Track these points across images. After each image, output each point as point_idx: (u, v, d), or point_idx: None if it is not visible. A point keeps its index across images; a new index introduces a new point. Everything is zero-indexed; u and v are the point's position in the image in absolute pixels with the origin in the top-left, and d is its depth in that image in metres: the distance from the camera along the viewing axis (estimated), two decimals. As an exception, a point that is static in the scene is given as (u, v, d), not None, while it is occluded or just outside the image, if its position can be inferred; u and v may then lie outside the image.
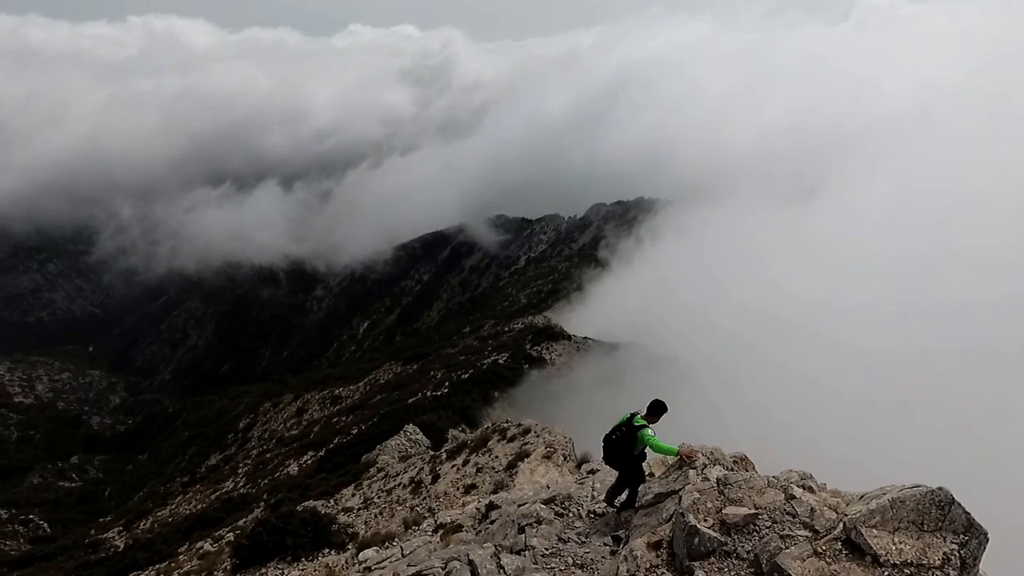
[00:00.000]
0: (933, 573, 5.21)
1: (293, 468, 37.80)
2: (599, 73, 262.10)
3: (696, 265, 64.21)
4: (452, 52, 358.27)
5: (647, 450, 8.23)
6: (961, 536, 5.38)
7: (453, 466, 22.27)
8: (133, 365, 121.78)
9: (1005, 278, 43.97)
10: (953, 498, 5.47)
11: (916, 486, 5.67)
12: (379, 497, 22.51)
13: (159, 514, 39.25)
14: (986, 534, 5.39)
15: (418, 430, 31.82)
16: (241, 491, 36.45)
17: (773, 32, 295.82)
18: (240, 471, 43.13)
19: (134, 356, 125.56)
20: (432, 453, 25.74)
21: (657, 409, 8.24)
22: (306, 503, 23.07)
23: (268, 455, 44.41)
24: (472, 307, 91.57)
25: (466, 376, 44.00)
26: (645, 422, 8.11)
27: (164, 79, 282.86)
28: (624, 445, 8.16)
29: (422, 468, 23.30)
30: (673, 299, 58.07)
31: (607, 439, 8.41)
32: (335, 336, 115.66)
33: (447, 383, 43.66)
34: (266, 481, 36.78)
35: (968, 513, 5.44)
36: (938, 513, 5.47)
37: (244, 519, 26.55)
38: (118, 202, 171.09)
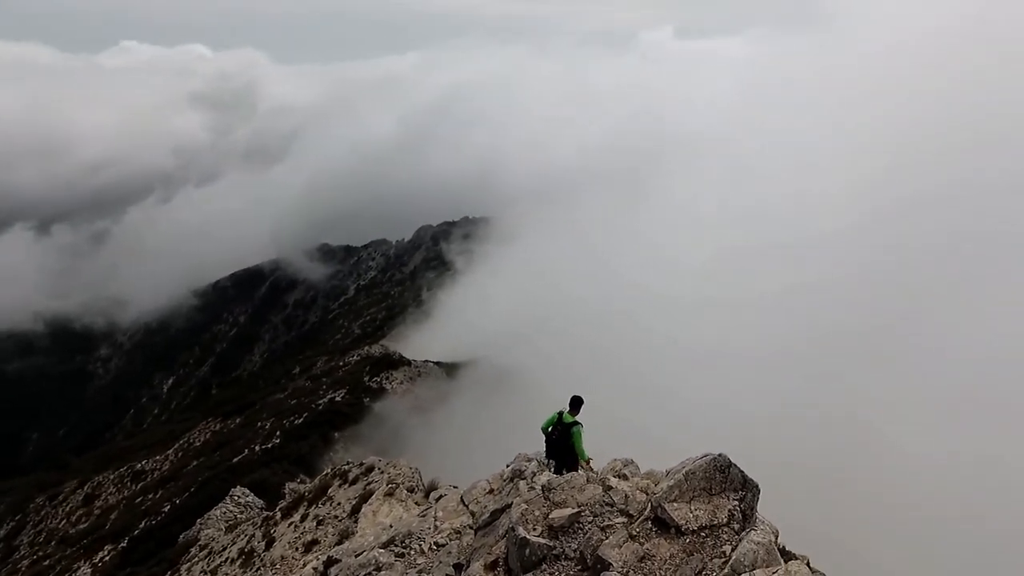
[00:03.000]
0: (723, 530, 6.17)
1: (85, 571, 32.91)
2: (420, 96, 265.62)
3: (527, 275, 67.65)
4: (255, 75, 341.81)
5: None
6: (740, 492, 6.46)
7: (290, 524, 21.06)
8: None
9: (793, 270, 52.57)
10: (731, 461, 6.57)
11: (704, 455, 6.68)
12: (203, 580, 20.56)
13: None
14: (757, 486, 6.59)
15: (248, 492, 29.58)
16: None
17: (579, 62, 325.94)
18: (6, 591, 36.52)
19: None
20: (265, 514, 24.08)
21: (577, 403, 10.01)
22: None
23: (46, 562, 38.04)
24: (301, 345, 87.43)
25: (300, 421, 42.01)
26: (573, 418, 9.78)
27: None
28: (564, 441, 9.65)
29: (253, 535, 21.75)
30: (509, 310, 60.52)
31: (548, 437, 9.87)
32: (132, 400, 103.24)
33: (279, 432, 41.29)
34: (48, 594, 31.60)
35: (743, 471, 6.58)
36: (721, 476, 6.49)
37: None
38: None
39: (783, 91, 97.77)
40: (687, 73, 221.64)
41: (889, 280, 46.48)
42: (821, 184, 62.95)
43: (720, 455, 6.54)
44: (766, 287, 49.51)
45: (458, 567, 8.16)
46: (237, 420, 49.83)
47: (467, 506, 10.02)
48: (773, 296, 48.06)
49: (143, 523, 35.31)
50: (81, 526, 42.67)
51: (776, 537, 5.91)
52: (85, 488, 48.60)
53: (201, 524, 27.29)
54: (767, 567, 5.47)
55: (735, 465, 6.49)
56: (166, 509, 35.58)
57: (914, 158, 59.51)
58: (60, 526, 45.19)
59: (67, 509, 47.20)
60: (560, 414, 9.87)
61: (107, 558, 32.88)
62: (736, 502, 6.30)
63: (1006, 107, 58.71)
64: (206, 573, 21.37)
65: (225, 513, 27.83)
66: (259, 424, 45.29)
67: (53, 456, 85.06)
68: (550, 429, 9.88)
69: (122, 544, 33.41)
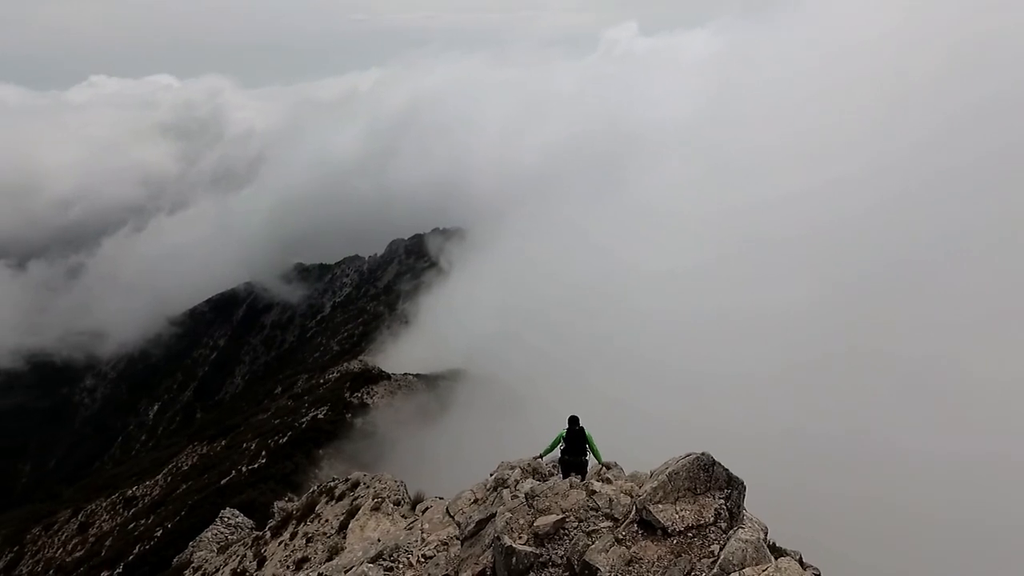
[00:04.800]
0: (710, 529, 5.89)
1: (83, 598, 31.81)
2: (383, 111, 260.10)
3: (500, 282, 66.67)
4: (221, 101, 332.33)
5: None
6: (725, 490, 6.17)
7: (280, 543, 20.36)
8: None
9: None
10: (714, 460, 6.26)
11: (687, 455, 6.38)
12: (196, 603, 19.78)
13: None
14: (743, 483, 6.26)
15: (237, 512, 28.79)
16: (13, 647, 29.66)
17: (539, 66, 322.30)
18: (8, 623, 35.16)
19: None
20: (256, 534, 23.33)
21: (575, 419, 10.19)
22: (102, 638, 19.42)
23: (46, 592, 36.78)
24: (280, 365, 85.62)
25: (284, 440, 41.02)
26: (582, 427, 10.10)
27: None
28: (582, 447, 9.95)
29: (244, 555, 21.01)
30: (485, 318, 59.76)
31: (565, 460, 10.03)
32: (119, 428, 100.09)
33: (264, 452, 40.29)
34: (47, 625, 30.42)
35: (727, 469, 6.27)
36: (705, 476, 6.21)
37: None
38: None
39: (751, 84, 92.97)
40: (653, 70, 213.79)
41: (887, 281, 43.55)
42: (796, 180, 58.94)
43: (703, 454, 6.24)
44: (743, 285, 47.69)
45: (447, 579, 7.84)
46: (222, 442, 48.66)
47: (453, 517, 9.66)
48: (755, 297, 45.85)
49: (137, 548, 34.47)
50: (77, 554, 41.37)
51: (765, 534, 5.64)
52: (79, 516, 47.26)
53: (193, 547, 26.47)
54: (757, 565, 5.20)
55: (719, 463, 6.21)
56: (159, 533, 34.74)
57: (893, 151, 55.31)
58: (57, 555, 43.79)
59: (63, 538, 45.82)
60: (569, 430, 10.07)
61: (103, 585, 31.89)
62: (722, 501, 6.02)
63: (988, 91, 54.24)
64: (199, 596, 20.58)
65: (216, 535, 27.02)
66: (244, 445, 44.25)
67: (45, 487, 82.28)
68: (562, 446, 10.09)
69: (118, 570, 32.74)
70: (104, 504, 47.49)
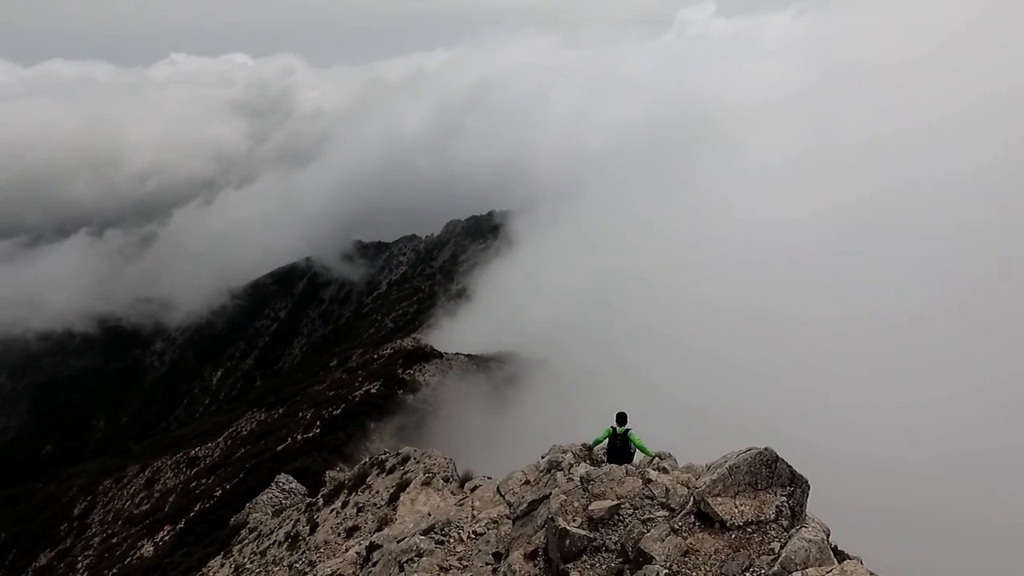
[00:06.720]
0: (771, 526, 5.76)
1: (148, 549, 33.89)
2: (452, 91, 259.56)
3: (556, 268, 66.26)
4: (292, 81, 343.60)
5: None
6: (788, 488, 6.02)
7: (332, 510, 21.15)
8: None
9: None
10: (777, 456, 6.10)
11: (749, 450, 6.24)
12: (252, 562, 20.87)
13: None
14: (807, 482, 6.09)
15: (291, 478, 29.94)
16: (83, 589, 31.97)
17: (610, 47, 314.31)
18: (80, 566, 37.79)
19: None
20: (309, 500, 24.29)
21: (623, 418, 10.41)
22: (165, 586, 20.74)
23: (114, 540, 39.34)
24: (337, 339, 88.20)
25: (338, 412, 42.24)
26: (627, 427, 10.35)
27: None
28: (627, 448, 10.16)
29: (298, 519, 21.91)
30: (537, 302, 59.71)
31: (612, 452, 10.37)
32: (184, 391, 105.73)
33: (318, 422, 41.62)
34: (115, 571, 32.57)
35: (791, 466, 6.10)
36: (767, 471, 6.07)
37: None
38: None
39: (836, 72, 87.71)
40: (730, 53, 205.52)
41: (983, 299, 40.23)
42: (887, 180, 54.41)
43: (766, 449, 6.09)
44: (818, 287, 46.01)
45: (497, 556, 7.98)
46: (280, 410, 50.38)
47: (503, 496, 9.82)
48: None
49: (198, 506, 36.12)
50: (143, 507, 43.88)
51: (828, 536, 5.48)
52: (146, 472, 49.89)
53: (250, 508, 27.64)
54: (820, 566, 5.06)
55: (782, 460, 6.06)
56: (218, 493, 36.27)
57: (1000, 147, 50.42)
58: (125, 507, 46.60)
59: (131, 491, 48.67)
60: (613, 428, 10.23)
61: (166, 538, 33.80)
62: (784, 498, 5.87)
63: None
64: (256, 554, 21.59)
65: (271, 498, 28.15)
66: (300, 414, 45.72)
67: (117, 443, 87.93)
68: (606, 441, 10.33)
69: (179, 525, 34.29)
70: (169, 462, 50.12)
